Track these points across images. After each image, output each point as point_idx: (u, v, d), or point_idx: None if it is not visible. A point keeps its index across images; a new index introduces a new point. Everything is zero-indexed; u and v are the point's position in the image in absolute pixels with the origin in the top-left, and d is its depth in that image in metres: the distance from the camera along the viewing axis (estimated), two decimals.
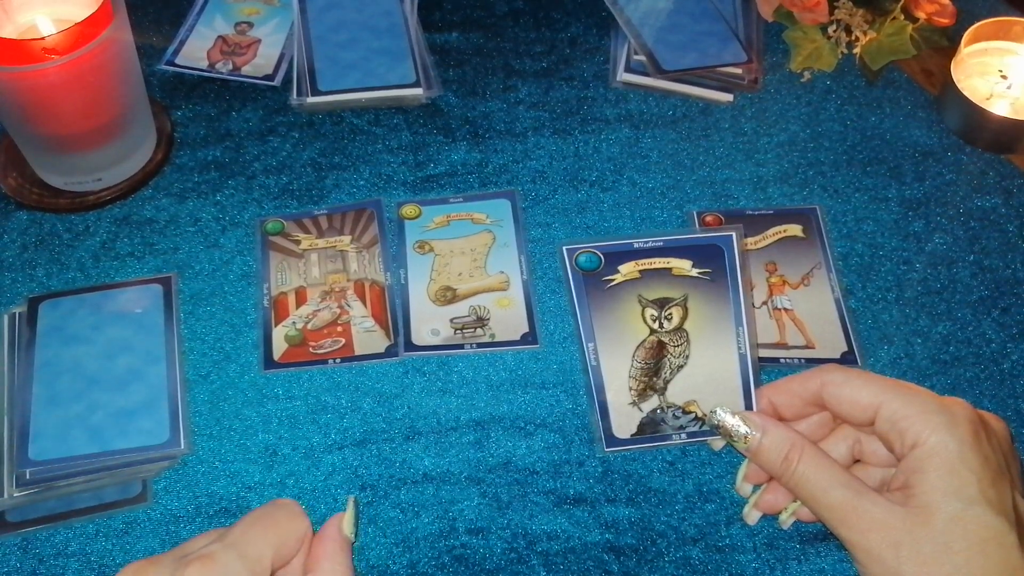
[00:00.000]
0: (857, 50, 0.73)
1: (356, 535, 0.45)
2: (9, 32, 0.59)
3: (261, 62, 0.73)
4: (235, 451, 0.54)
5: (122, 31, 0.59)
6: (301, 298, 0.60)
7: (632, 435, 0.53)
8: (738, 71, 0.72)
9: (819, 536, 0.51)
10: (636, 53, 0.73)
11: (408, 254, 0.62)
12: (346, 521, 0.44)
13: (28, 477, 0.52)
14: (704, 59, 0.72)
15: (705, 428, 0.53)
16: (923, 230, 0.64)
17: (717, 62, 0.72)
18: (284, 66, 0.72)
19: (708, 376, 0.54)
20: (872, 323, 0.60)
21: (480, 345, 0.58)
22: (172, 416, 0.55)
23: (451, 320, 0.59)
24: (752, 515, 0.51)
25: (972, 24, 0.69)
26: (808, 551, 0.51)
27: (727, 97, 0.71)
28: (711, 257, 0.57)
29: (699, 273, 0.57)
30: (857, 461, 0.50)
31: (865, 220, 0.65)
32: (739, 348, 0.54)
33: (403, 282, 0.61)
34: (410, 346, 0.58)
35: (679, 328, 0.56)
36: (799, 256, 0.62)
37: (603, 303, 0.56)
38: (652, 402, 0.54)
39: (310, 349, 0.58)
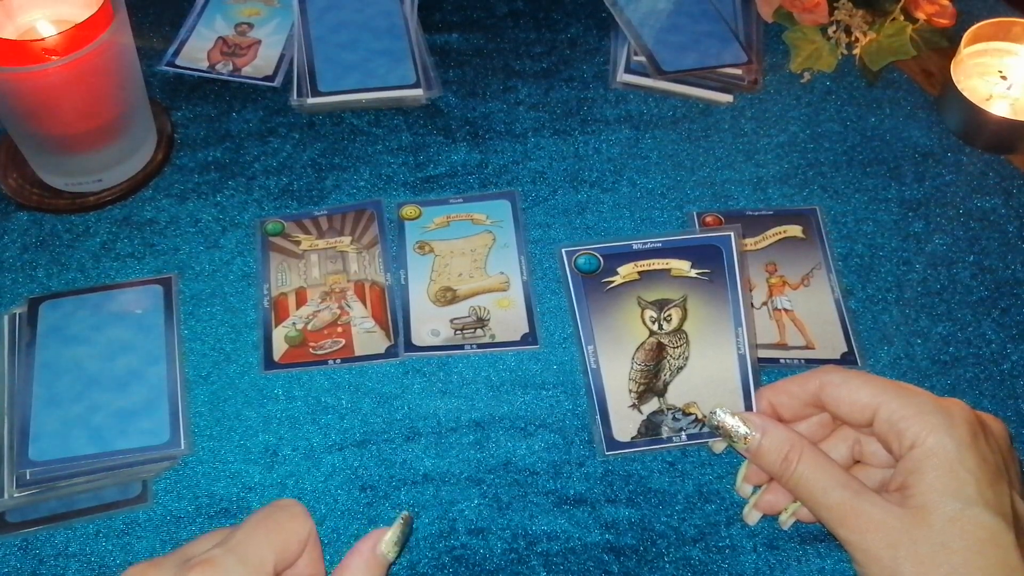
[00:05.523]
0: (857, 51, 0.73)
1: (396, 556, 0.40)
2: (9, 33, 0.59)
3: (261, 63, 0.73)
4: (235, 452, 0.54)
5: (122, 32, 0.59)
6: (301, 299, 0.60)
7: (632, 438, 0.53)
8: (738, 72, 0.72)
9: (819, 536, 0.51)
10: (636, 54, 0.73)
11: (408, 255, 0.63)
12: (385, 539, 0.40)
13: (28, 477, 0.52)
14: (704, 60, 0.72)
15: (705, 430, 0.53)
16: (923, 231, 0.64)
17: (717, 63, 0.72)
18: (284, 67, 0.72)
19: (708, 377, 0.54)
20: (872, 324, 0.60)
21: (480, 346, 0.58)
22: (172, 416, 0.55)
23: (451, 321, 0.59)
24: (752, 515, 0.51)
25: (972, 25, 0.69)
26: (808, 551, 0.51)
27: (727, 98, 0.71)
28: (710, 257, 0.57)
29: (698, 274, 0.57)
30: (857, 462, 0.50)
31: (865, 221, 0.65)
32: (738, 349, 0.54)
33: (403, 283, 0.61)
34: (410, 347, 0.58)
35: (678, 329, 0.56)
36: (799, 257, 0.62)
37: (602, 305, 0.56)
38: (652, 404, 0.54)
39: (310, 350, 0.58)
